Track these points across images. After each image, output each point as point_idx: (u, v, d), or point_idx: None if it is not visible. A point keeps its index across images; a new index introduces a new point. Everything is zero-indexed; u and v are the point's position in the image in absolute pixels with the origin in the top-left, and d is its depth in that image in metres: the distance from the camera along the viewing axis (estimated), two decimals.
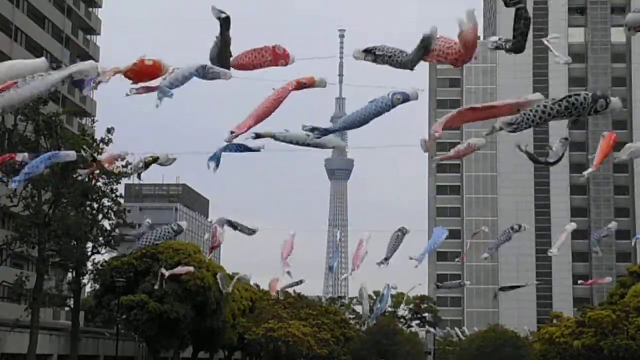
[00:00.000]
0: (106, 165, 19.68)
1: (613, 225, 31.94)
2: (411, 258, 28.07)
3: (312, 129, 14.89)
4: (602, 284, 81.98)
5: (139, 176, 19.18)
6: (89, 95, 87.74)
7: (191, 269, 48.20)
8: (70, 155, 18.85)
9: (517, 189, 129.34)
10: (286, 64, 14.65)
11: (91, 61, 14.01)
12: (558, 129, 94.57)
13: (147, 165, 18.75)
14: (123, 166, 29.06)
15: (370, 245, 27.73)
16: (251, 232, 23.88)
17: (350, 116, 14.31)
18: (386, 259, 26.48)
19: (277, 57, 14.38)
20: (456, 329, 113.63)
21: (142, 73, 13.64)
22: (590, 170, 14.50)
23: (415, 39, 13.03)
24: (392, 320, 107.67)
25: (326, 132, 15.19)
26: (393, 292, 51.08)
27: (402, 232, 26.11)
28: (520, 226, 30.69)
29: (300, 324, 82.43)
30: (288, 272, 28.24)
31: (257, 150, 18.41)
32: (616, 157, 17.46)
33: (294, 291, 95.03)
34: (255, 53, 14.33)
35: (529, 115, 12.63)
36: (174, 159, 19.10)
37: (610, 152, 17.16)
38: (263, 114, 14.79)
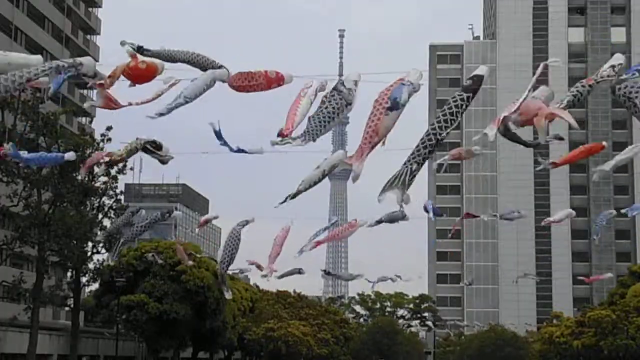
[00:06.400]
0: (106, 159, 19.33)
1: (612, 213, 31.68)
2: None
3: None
4: (603, 280, 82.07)
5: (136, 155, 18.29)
6: (88, 94, 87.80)
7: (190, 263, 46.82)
8: (70, 156, 18.77)
9: (517, 189, 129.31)
10: (281, 85, 14.46)
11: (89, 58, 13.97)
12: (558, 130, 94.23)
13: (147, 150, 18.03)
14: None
15: (370, 244, 27.34)
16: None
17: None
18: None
19: (270, 81, 14.27)
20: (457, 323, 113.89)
21: (137, 76, 13.65)
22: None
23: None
24: (392, 320, 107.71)
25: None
26: (392, 291, 51.08)
27: (394, 219, 25.31)
28: (518, 212, 31.36)
29: (300, 323, 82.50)
30: (266, 271, 26.77)
31: (260, 152, 18.45)
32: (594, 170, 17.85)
33: (294, 291, 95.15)
34: (249, 77, 14.14)
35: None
36: (171, 157, 18.37)
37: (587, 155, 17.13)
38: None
